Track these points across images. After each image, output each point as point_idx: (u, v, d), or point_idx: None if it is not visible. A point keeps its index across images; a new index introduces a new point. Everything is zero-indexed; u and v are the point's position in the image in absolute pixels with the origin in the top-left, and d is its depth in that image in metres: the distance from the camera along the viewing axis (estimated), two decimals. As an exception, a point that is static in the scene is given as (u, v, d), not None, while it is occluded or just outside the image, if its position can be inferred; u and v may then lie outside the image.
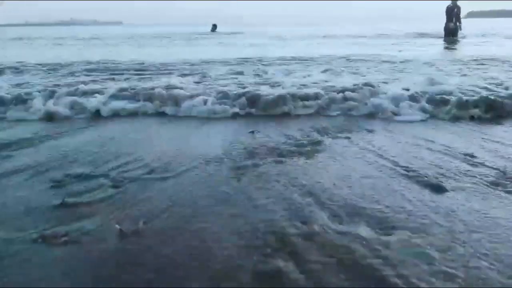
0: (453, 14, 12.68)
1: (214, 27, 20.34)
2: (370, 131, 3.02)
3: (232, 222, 1.63)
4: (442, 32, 13.39)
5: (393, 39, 14.84)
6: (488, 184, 1.95)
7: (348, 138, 2.83)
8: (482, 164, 2.22)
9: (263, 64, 7.07)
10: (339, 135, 2.91)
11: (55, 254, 1.45)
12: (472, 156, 2.35)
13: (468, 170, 2.14)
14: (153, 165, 2.33)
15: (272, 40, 15.94)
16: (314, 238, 1.50)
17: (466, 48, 10.77)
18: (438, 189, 1.90)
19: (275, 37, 18.03)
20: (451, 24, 12.83)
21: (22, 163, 2.40)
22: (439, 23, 13.79)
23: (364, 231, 1.53)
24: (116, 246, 1.49)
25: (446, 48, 11.52)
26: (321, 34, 19.09)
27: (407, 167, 2.20)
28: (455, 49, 11.04)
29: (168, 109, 3.82)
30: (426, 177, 2.05)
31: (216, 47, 12.57)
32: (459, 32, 13.08)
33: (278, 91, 3.90)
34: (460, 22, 12.98)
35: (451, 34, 12.99)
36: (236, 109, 3.69)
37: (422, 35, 16.50)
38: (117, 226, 1.58)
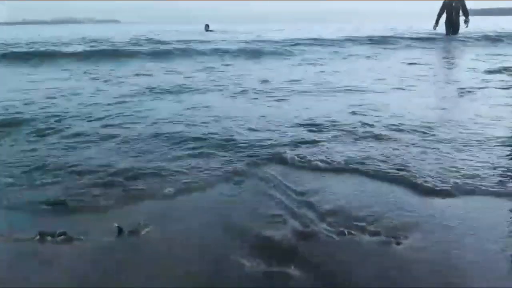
0: (452, 8, 11.95)
1: (207, 26, 20.91)
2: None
3: (232, 227, 1.60)
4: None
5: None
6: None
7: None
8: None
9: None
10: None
11: (53, 253, 1.43)
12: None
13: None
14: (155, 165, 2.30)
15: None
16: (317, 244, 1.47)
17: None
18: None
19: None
20: (448, 22, 12.19)
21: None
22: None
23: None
24: (114, 245, 1.48)
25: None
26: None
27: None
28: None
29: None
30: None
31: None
32: (463, 28, 12.27)
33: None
34: (467, 18, 12.06)
35: (451, 30, 12.27)
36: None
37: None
38: (115, 225, 1.57)
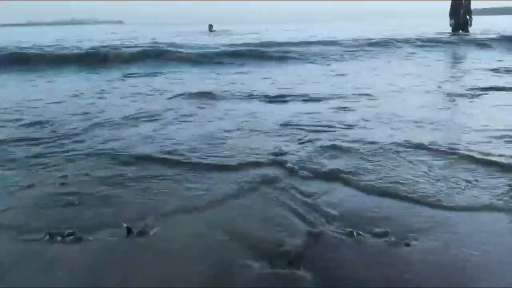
0: (461, 6, 12.08)
1: (211, 27, 20.89)
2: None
3: (240, 230, 1.60)
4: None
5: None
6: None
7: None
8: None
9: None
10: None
11: (62, 252, 1.44)
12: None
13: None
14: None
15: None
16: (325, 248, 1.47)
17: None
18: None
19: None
20: (455, 21, 12.24)
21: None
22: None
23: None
24: (122, 245, 1.48)
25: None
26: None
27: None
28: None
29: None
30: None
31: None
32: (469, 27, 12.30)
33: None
34: (470, 17, 12.26)
35: (460, 29, 12.23)
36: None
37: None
38: (124, 224, 1.57)
